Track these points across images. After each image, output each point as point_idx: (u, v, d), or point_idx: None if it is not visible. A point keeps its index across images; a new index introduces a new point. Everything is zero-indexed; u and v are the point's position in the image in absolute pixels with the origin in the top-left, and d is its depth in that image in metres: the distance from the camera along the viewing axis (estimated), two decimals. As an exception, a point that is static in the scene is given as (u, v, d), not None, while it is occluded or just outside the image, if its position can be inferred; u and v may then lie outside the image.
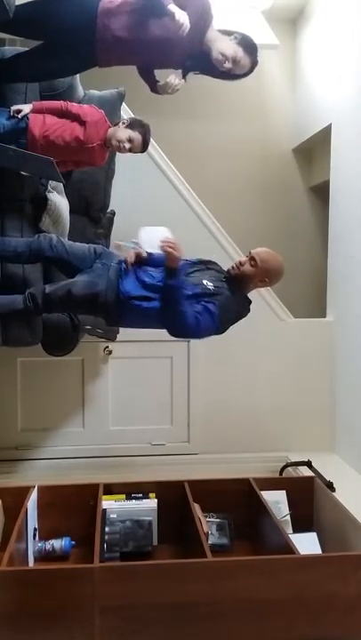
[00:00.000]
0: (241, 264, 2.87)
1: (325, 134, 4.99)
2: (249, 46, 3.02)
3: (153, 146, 4.52)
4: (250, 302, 2.96)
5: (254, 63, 3.07)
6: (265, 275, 2.87)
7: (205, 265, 2.98)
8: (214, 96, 5.73)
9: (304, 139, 5.59)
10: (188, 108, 5.69)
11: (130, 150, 3.15)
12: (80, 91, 3.85)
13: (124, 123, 3.19)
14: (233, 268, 2.90)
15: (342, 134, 4.67)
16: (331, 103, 4.90)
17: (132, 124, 3.16)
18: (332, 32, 4.90)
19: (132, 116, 4.33)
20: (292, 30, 5.77)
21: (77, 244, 3.15)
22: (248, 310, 2.96)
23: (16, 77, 3.23)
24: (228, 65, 2.99)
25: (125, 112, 4.28)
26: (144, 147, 3.20)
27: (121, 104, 4.05)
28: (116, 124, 3.20)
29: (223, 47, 2.98)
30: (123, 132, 3.13)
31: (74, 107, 3.18)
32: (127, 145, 3.12)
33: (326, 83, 5.03)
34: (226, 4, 5.09)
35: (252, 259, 2.86)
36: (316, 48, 5.32)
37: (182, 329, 2.75)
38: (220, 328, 2.81)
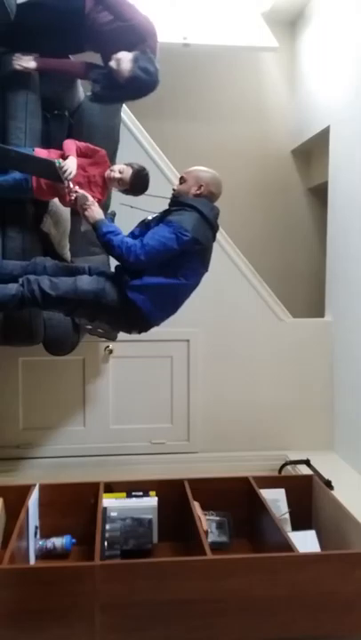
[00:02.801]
0: (174, 189, 3.08)
1: (324, 136, 5.00)
2: (142, 60, 3.11)
3: (153, 147, 4.55)
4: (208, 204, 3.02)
5: (134, 76, 3.11)
6: (197, 182, 3.03)
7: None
8: (214, 98, 5.76)
9: (303, 140, 5.60)
10: (188, 109, 5.72)
11: (119, 182, 3.26)
12: (81, 92, 3.86)
13: (124, 162, 3.36)
14: (172, 196, 3.08)
15: (341, 136, 4.68)
16: (329, 105, 4.92)
17: (130, 164, 3.32)
18: (331, 34, 4.91)
19: (133, 117, 4.38)
20: (292, 32, 5.78)
21: (72, 265, 3.20)
22: (214, 208, 3.06)
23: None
24: (112, 62, 3.12)
25: (126, 114, 4.30)
26: (135, 184, 3.28)
27: (121, 106, 4.07)
28: None
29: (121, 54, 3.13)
30: (116, 166, 3.31)
31: (80, 143, 3.33)
32: (117, 175, 3.24)
33: (325, 85, 5.04)
34: (225, 6, 5.13)
35: (181, 177, 3.08)
36: (315, 50, 5.33)
37: (124, 259, 2.86)
38: (182, 238, 2.84)
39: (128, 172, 3.26)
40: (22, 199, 3.30)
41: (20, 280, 2.89)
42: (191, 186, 3.02)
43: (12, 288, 2.88)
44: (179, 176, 4.53)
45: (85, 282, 2.94)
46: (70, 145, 3.23)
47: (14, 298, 2.87)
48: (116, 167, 3.29)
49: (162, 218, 2.99)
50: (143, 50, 3.14)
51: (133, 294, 2.90)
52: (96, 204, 3.00)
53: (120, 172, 3.25)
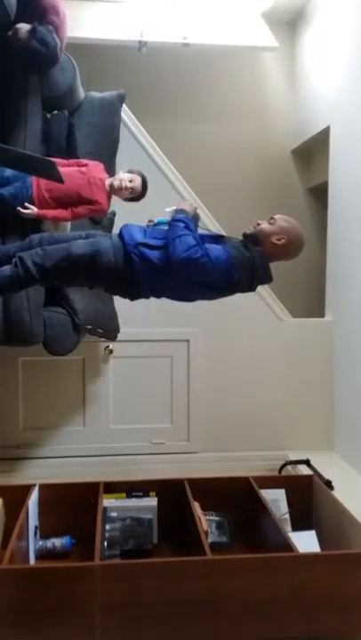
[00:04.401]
0: (259, 223, 2.87)
1: (324, 136, 4.99)
2: (40, 31, 3.21)
3: (153, 147, 4.55)
4: (267, 262, 2.86)
5: (31, 46, 3.20)
6: (283, 232, 2.81)
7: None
8: (214, 97, 5.75)
9: (303, 140, 5.59)
10: (188, 109, 5.71)
11: (131, 191, 3.35)
12: (81, 92, 3.87)
13: (123, 171, 3.43)
14: (251, 228, 2.89)
15: (341, 136, 4.68)
16: (329, 105, 4.91)
17: (131, 171, 3.40)
18: (331, 34, 4.90)
19: (133, 117, 4.39)
20: (292, 32, 5.77)
21: (68, 233, 3.15)
22: (269, 275, 2.89)
23: None
24: (9, 32, 3.21)
25: (126, 114, 4.30)
26: (144, 193, 3.40)
27: (121, 106, 4.07)
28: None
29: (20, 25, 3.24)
30: (125, 175, 3.37)
31: (75, 160, 3.45)
32: (129, 184, 3.32)
33: (325, 84, 5.03)
34: (225, 5, 5.13)
35: (271, 218, 2.88)
36: (315, 50, 5.32)
37: (178, 253, 2.65)
38: (234, 276, 2.73)
39: (138, 181, 3.34)
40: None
41: (13, 260, 2.78)
42: (275, 232, 2.81)
43: (7, 269, 2.77)
44: (179, 176, 4.61)
45: (80, 245, 2.80)
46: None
47: (10, 279, 2.76)
48: (124, 176, 3.34)
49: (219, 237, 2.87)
50: (44, 22, 3.20)
51: (138, 256, 2.77)
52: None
53: (131, 182, 3.32)
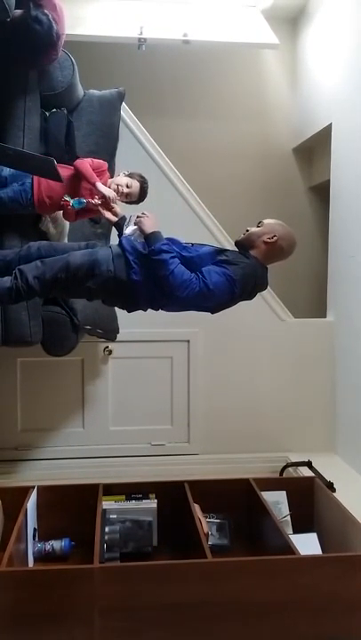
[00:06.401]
0: (248, 230, 2.91)
1: (326, 134, 4.98)
2: (33, 10, 3.18)
3: (153, 145, 4.53)
4: (266, 269, 2.90)
5: (24, 23, 3.18)
6: (272, 230, 2.85)
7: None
8: (215, 96, 5.74)
9: (304, 138, 5.58)
10: (189, 107, 5.70)
11: (127, 196, 3.31)
12: (80, 90, 3.85)
13: (124, 173, 3.39)
14: (241, 235, 2.93)
15: (343, 134, 4.66)
16: (331, 102, 4.89)
17: (132, 175, 3.36)
18: (333, 31, 4.89)
19: (135, 119, 4.37)
20: (293, 29, 5.75)
21: (67, 243, 3.13)
22: (266, 282, 2.94)
23: None
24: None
25: (125, 112, 4.28)
26: (141, 196, 3.37)
27: (121, 104, 4.05)
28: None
29: None
30: (123, 179, 3.33)
31: (88, 160, 3.38)
32: (126, 189, 3.29)
33: (327, 82, 5.02)
34: (225, 2, 5.12)
35: (259, 222, 2.92)
36: (316, 47, 5.31)
37: (174, 289, 2.68)
38: (235, 291, 2.75)
39: (136, 186, 3.32)
40: (23, 214, 3.32)
41: (13, 272, 2.80)
42: (265, 232, 2.86)
43: (7, 281, 2.79)
44: (180, 175, 4.59)
45: (78, 255, 2.82)
46: (84, 163, 3.27)
47: (10, 291, 2.78)
48: (122, 181, 3.31)
49: (217, 252, 2.85)
50: (35, 4, 3.18)
51: (137, 264, 2.79)
52: (153, 216, 2.90)
53: (128, 187, 3.29)
